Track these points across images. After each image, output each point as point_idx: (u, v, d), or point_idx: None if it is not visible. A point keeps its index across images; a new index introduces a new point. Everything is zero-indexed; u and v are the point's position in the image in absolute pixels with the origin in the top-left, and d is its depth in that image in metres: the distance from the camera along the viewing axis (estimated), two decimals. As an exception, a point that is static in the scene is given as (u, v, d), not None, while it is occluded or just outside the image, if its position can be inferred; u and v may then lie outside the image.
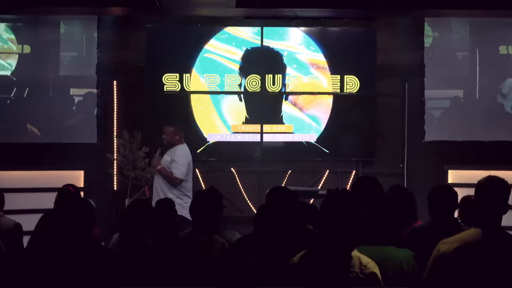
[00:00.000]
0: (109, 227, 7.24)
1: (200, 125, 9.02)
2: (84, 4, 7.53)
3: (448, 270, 3.43)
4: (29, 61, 9.00)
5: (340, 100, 9.10)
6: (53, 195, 6.13)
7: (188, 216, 4.75)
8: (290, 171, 9.08)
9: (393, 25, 9.07)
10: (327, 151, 9.07)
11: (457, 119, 9.18)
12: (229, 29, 9.08)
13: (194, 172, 8.45)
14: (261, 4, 7.44)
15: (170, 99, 9.00)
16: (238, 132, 9.08)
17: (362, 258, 3.42)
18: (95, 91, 8.87)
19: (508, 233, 3.52)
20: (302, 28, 9.06)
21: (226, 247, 4.44)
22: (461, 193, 4.81)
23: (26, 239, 4.88)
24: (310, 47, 9.10)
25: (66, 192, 6.08)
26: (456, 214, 4.82)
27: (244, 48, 9.08)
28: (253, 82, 9.07)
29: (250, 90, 9.07)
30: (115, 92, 8.97)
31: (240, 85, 9.07)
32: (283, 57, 9.08)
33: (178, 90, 9.01)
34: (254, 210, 8.55)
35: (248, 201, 9.03)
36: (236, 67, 9.07)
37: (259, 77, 9.05)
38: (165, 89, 8.99)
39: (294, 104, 9.11)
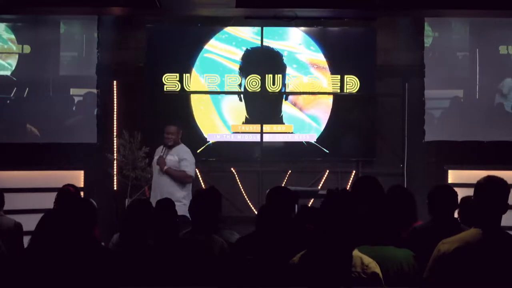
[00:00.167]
0: (109, 227, 7.22)
1: (200, 125, 9.02)
2: (84, 4, 7.53)
3: (448, 270, 3.42)
4: (29, 61, 9.00)
5: (340, 100, 9.10)
6: (53, 195, 6.11)
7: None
8: (290, 171, 9.08)
9: (393, 25, 9.07)
10: (327, 151, 9.07)
11: (457, 119, 9.18)
12: (229, 29, 9.08)
13: (194, 172, 8.44)
14: (261, 4, 7.44)
15: (170, 99, 9.00)
16: (238, 132, 9.07)
17: (363, 258, 3.42)
18: (95, 91, 8.88)
19: (508, 233, 3.51)
20: (302, 28, 9.06)
21: (225, 247, 4.44)
22: (461, 193, 4.80)
23: (26, 239, 4.87)
24: (310, 47, 9.10)
25: (66, 192, 6.07)
26: (456, 214, 4.82)
27: (244, 48, 9.08)
28: (253, 82, 9.07)
29: (250, 90, 9.07)
30: (115, 92, 8.97)
31: (240, 85, 9.06)
32: (283, 57, 9.08)
33: (178, 90, 9.01)
34: (254, 210, 8.57)
35: (248, 201, 9.03)
36: (236, 67, 9.07)
37: (259, 77, 9.05)
38: (165, 89, 8.99)
39: (294, 104, 9.11)
